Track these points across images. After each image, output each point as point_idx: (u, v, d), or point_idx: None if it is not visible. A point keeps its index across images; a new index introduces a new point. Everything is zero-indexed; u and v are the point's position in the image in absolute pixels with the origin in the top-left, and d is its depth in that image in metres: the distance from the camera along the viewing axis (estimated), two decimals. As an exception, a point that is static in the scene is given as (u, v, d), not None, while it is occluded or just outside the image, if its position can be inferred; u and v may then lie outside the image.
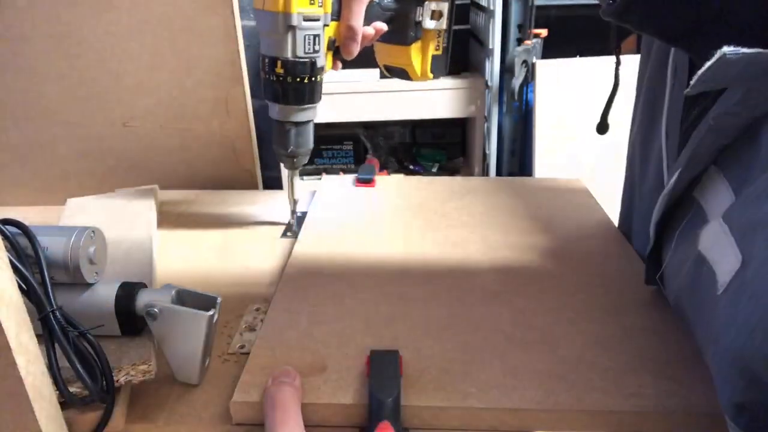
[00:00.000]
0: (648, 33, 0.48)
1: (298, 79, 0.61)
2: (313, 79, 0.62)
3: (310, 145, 0.67)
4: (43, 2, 0.75)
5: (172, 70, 0.79)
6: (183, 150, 0.84)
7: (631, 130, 0.70)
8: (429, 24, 0.69)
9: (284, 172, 0.71)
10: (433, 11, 0.68)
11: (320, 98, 0.64)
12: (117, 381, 0.44)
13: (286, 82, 0.61)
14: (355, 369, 0.47)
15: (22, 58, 0.77)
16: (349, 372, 0.47)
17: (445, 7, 0.69)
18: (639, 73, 0.65)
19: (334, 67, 0.66)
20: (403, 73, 0.73)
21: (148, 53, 0.78)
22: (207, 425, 0.46)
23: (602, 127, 0.62)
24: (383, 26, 0.67)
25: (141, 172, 0.84)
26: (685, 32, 0.41)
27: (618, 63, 0.58)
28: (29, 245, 0.44)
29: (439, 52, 0.72)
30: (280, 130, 0.65)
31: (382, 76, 1.64)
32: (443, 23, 0.70)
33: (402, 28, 0.68)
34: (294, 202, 0.73)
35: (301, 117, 0.64)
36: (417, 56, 0.70)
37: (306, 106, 0.63)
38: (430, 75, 0.72)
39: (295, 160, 0.67)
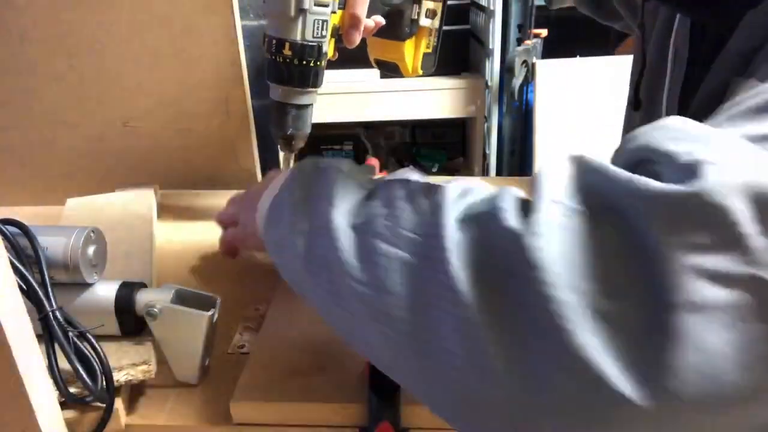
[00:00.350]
0: (665, 2, 0.50)
1: (304, 62, 0.62)
2: (318, 63, 0.63)
3: (308, 128, 0.68)
4: (43, 2, 0.75)
5: (172, 70, 0.79)
6: (183, 150, 0.84)
7: (624, 129, 0.70)
8: (424, 21, 0.70)
9: (281, 155, 0.71)
10: (429, 9, 0.70)
11: (321, 83, 0.65)
12: (117, 381, 0.44)
13: (292, 65, 0.62)
14: (355, 369, 0.47)
15: (22, 58, 0.77)
16: (349, 372, 0.47)
17: (439, 7, 0.71)
18: (633, 70, 0.66)
19: (333, 55, 0.67)
20: (393, 68, 0.74)
21: (148, 53, 0.78)
22: (207, 425, 0.46)
23: (636, 103, 0.62)
24: (382, 20, 0.68)
25: (141, 172, 0.84)
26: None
27: (643, 39, 0.58)
28: (29, 245, 0.44)
29: (430, 50, 0.74)
30: (279, 112, 0.65)
31: (382, 76, 1.64)
32: (437, 22, 0.71)
33: (398, 23, 0.69)
34: None
35: (302, 100, 0.65)
36: (410, 52, 0.72)
37: (309, 89, 0.64)
38: (420, 71, 0.74)
39: (292, 142, 0.68)
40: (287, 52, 0.61)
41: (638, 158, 0.33)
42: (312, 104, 0.66)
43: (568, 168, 0.33)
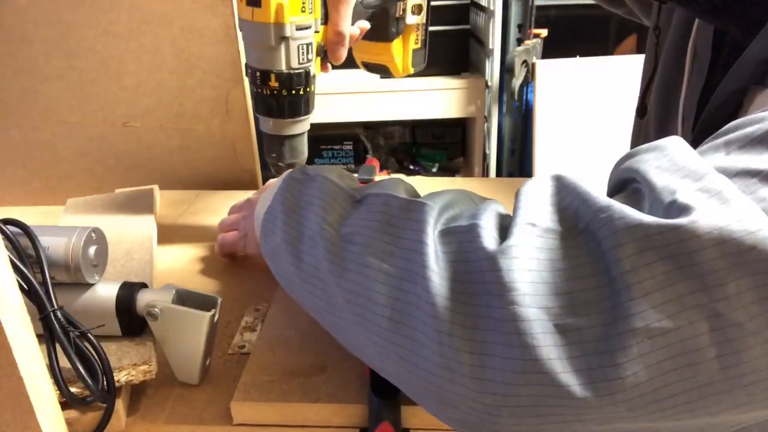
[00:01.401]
0: (687, 7, 0.50)
1: (293, 92, 0.58)
2: (308, 89, 0.59)
3: (305, 154, 0.64)
4: (43, 2, 0.75)
5: (172, 70, 0.79)
6: (183, 150, 0.84)
7: (633, 135, 0.70)
8: (411, 19, 0.68)
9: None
10: (414, 5, 0.67)
11: (314, 107, 0.62)
12: (118, 381, 0.44)
13: (281, 96, 0.58)
14: (355, 369, 0.47)
15: (22, 58, 0.77)
16: (349, 372, 0.47)
17: (424, 1, 0.68)
18: (643, 76, 0.65)
19: (323, 69, 0.64)
20: (383, 70, 0.71)
21: (148, 53, 0.78)
22: (207, 425, 0.46)
23: (642, 110, 0.61)
24: (367, 25, 0.64)
25: (141, 172, 0.84)
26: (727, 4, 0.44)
27: (657, 42, 0.58)
28: (30, 245, 0.44)
29: (419, 46, 0.71)
30: (273, 143, 0.62)
31: (383, 76, 1.64)
32: (423, 17, 0.69)
33: (383, 24, 0.67)
34: None
35: (295, 130, 0.61)
36: (399, 52, 0.69)
37: (301, 118, 0.61)
38: (411, 69, 0.71)
39: (290, 170, 0.65)
40: (273, 83, 0.57)
41: (627, 177, 0.35)
42: (306, 130, 0.63)
43: (548, 187, 0.35)
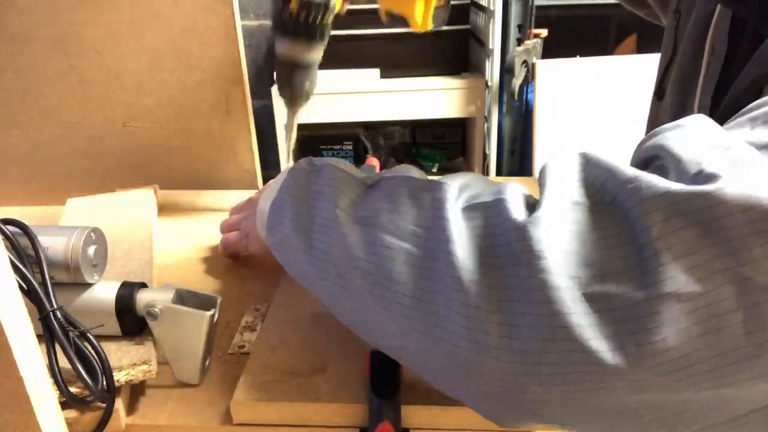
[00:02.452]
0: None
1: (310, 19, 0.62)
2: (324, 20, 0.63)
3: (312, 89, 0.68)
4: (43, 2, 0.75)
5: (172, 70, 0.79)
6: (183, 150, 0.84)
7: (649, 119, 0.69)
8: None
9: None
10: None
11: (327, 39, 0.66)
12: (117, 381, 0.44)
13: (298, 20, 0.62)
14: (355, 369, 0.47)
15: (22, 58, 0.77)
16: (349, 372, 0.47)
17: None
18: (661, 59, 0.65)
19: (341, 9, 0.67)
20: (403, 21, 0.72)
21: (148, 53, 0.78)
22: (207, 425, 0.46)
23: (661, 92, 0.62)
24: None
25: (141, 172, 0.84)
26: None
27: (677, 26, 0.59)
28: (30, 245, 0.45)
29: (442, 3, 0.71)
30: (284, 70, 0.66)
31: (383, 76, 1.64)
32: None
33: None
34: (292, 141, 0.73)
35: (307, 56, 0.65)
36: (421, 5, 0.70)
37: (315, 43, 0.65)
38: (430, 25, 0.72)
39: (297, 100, 0.68)
40: (293, 5, 0.62)
41: (651, 155, 0.35)
42: (317, 63, 0.67)
43: (575, 163, 0.35)
